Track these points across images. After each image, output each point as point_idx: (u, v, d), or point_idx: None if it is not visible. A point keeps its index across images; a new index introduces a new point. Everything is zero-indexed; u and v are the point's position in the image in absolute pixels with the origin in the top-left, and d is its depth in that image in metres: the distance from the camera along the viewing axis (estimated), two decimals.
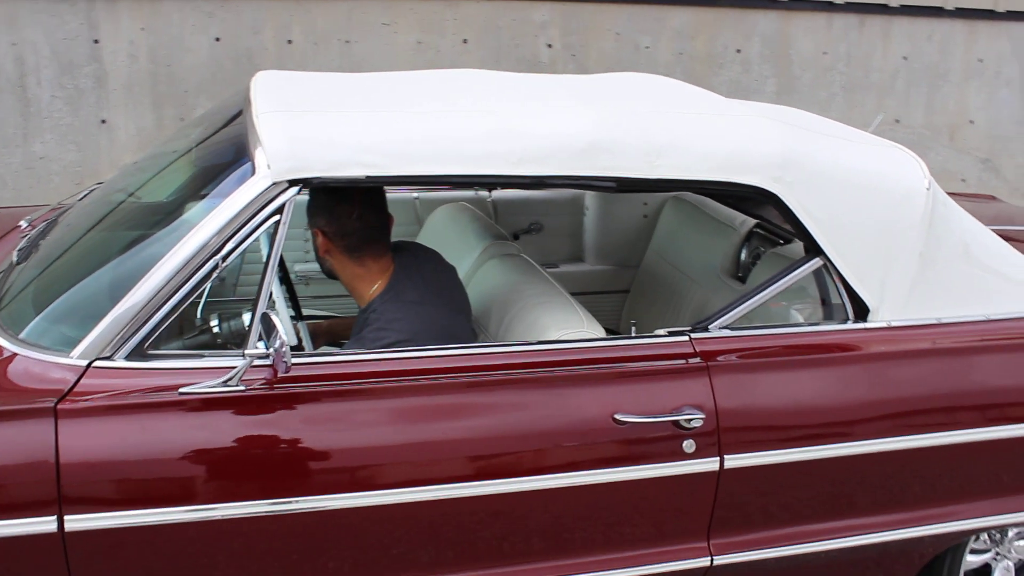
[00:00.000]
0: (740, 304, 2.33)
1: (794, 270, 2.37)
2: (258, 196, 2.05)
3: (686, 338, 2.28)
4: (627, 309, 3.88)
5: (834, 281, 2.40)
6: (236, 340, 2.48)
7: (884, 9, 6.75)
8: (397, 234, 3.71)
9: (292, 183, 2.06)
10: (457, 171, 2.15)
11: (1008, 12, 7.10)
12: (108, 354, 2.00)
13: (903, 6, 6.78)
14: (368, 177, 2.10)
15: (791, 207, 2.31)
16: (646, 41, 6.30)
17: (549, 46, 6.13)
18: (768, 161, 2.28)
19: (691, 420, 2.18)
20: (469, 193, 3.84)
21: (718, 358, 2.26)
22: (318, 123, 2.17)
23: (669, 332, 2.30)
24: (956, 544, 2.60)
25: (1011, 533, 2.78)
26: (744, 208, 3.54)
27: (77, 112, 5.42)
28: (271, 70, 2.83)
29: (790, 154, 2.31)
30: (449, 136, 2.18)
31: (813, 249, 2.37)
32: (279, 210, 2.06)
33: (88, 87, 5.39)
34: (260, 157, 2.10)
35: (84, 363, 1.99)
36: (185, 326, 2.52)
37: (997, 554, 2.80)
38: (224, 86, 5.66)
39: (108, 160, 5.52)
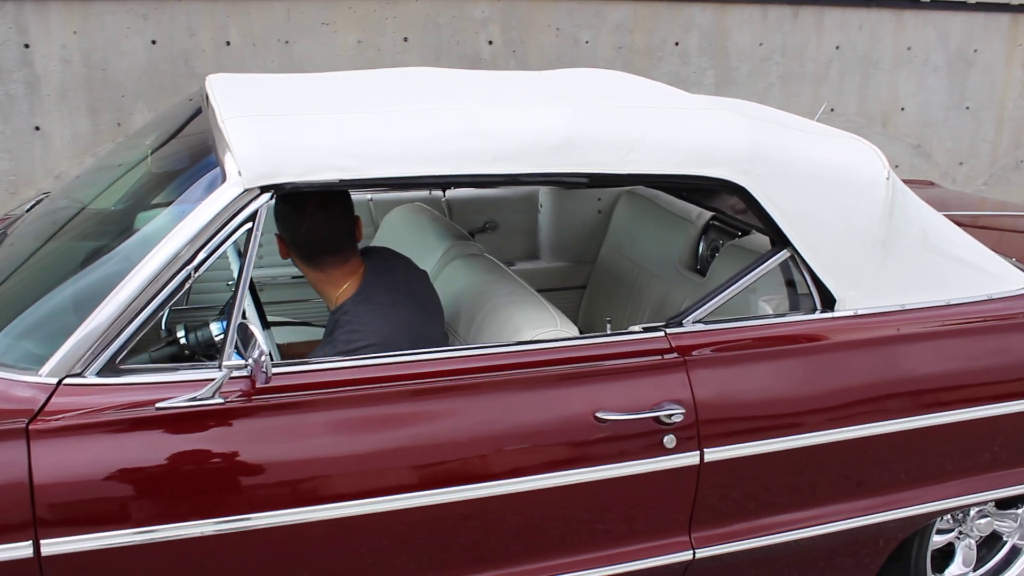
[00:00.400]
0: (713, 298, 2.34)
1: (764, 262, 2.39)
2: (230, 204, 2.00)
3: (661, 334, 2.29)
4: (584, 305, 3.89)
5: (801, 272, 2.43)
6: (204, 350, 2.43)
7: (816, 0, 6.87)
8: None
9: (264, 189, 2.02)
10: (431, 172, 2.13)
11: (933, 1, 7.28)
12: (79, 371, 1.94)
13: None
14: (341, 181, 2.07)
15: (759, 200, 2.33)
16: (586, 36, 6.32)
17: (490, 43, 6.11)
18: (736, 154, 2.30)
19: (672, 415, 2.19)
20: (423, 193, 3.82)
21: (694, 352, 2.28)
22: (288, 127, 2.13)
23: (644, 328, 2.31)
24: (925, 525, 2.65)
25: (972, 512, 2.85)
26: (698, 200, 3.58)
27: (9, 119, 5.26)
28: (222, 73, 2.78)
29: (757, 147, 2.33)
30: (421, 137, 2.16)
31: (780, 241, 2.40)
32: (251, 218, 2.02)
33: (20, 93, 5.23)
34: (230, 164, 2.05)
35: (54, 381, 1.93)
36: (149, 338, 2.46)
37: (960, 533, 2.87)
38: (161, 90, 5.54)
39: (43, 168, 5.38)
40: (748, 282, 2.39)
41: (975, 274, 2.68)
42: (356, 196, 3.73)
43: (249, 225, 2.02)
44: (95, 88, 5.41)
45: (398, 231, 3.44)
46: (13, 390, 1.93)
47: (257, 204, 2.02)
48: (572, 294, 3.94)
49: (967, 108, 7.69)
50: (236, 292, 2.01)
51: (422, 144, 2.14)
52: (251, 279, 3.43)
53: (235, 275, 2.75)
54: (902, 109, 7.44)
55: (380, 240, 3.54)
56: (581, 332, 3.79)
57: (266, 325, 2.75)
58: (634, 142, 2.24)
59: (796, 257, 2.41)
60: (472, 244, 3.02)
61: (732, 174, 2.30)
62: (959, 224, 3.71)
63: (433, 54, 5.94)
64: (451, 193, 3.84)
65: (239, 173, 2.02)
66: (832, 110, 7.15)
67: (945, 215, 3.77)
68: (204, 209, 2.01)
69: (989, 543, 2.97)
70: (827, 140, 2.57)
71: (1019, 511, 2.94)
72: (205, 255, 2.00)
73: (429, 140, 2.15)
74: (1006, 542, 2.98)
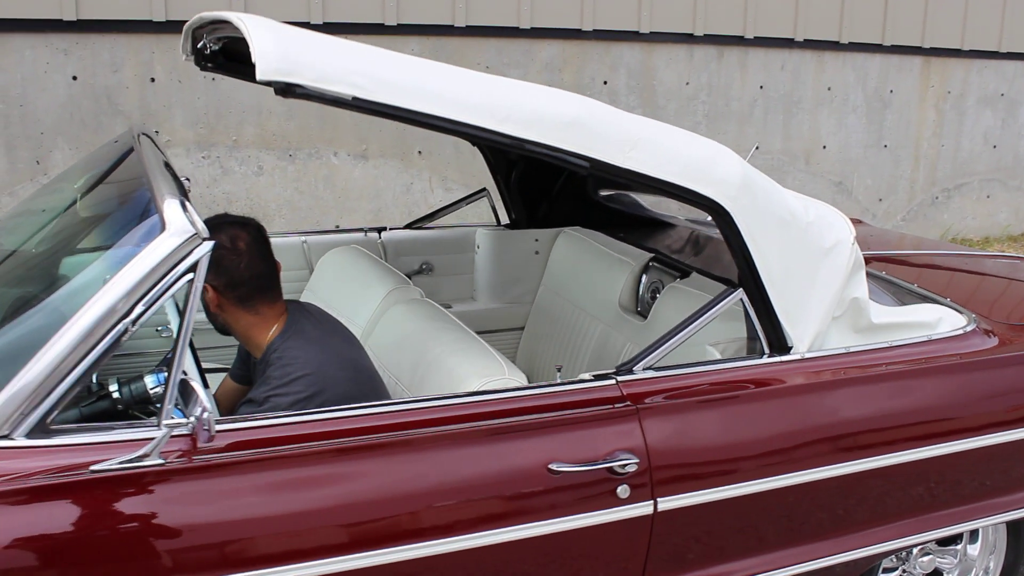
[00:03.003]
0: (663, 343, 2.32)
1: (715, 305, 2.39)
2: (170, 254, 1.92)
3: (612, 381, 2.26)
4: (522, 347, 3.85)
5: (750, 315, 2.44)
6: (139, 405, 2.33)
7: (740, 40, 7.01)
8: (287, 278, 3.63)
9: (278, 89, 1.92)
10: (445, 113, 2.06)
11: (851, 43, 7.49)
12: (6, 432, 1.82)
13: (757, 37, 7.06)
14: (355, 99, 1.98)
15: (740, 228, 2.35)
16: (516, 74, 6.33)
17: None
18: (728, 179, 2.32)
19: (625, 465, 2.16)
20: (359, 235, 3.75)
21: (646, 400, 2.25)
22: (308, 36, 2.06)
23: (594, 376, 2.28)
24: (874, 565, 2.66)
25: (915, 550, 2.87)
26: (635, 240, 3.58)
27: None
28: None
29: (746, 179, 2.36)
30: (443, 79, 2.13)
31: (750, 276, 2.41)
32: (192, 268, 1.94)
33: None
34: (170, 211, 1.97)
35: None
36: (79, 392, 2.34)
37: (903, 571, 2.89)
38: (83, 127, 5.40)
39: None
40: (700, 325, 2.38)
41: (914, 327, 2.75)
42: (290, 239, 3.66)
43: (190, 276, 1.94)
44: (12, 124, 5.24)
45: (335, 274, 3.37)
46: None
47: (199, 254, 1.93)
48: (510, 336, 3.90)
49: (885, 146, 7.91)
50: (176, 345, 1.92)
51: (443, 84, 2.10)
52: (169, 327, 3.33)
53: (172, 323, 2.65)
54: (824, 147, 7.62)
55: (316, 282, 3.47)
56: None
57: (204, 382, 2.65)
58: (638, 140, 2.24)
59: (752, 299, 2.42)
60: (412, 288, 2.97)
61: (721, 197, 2.32)
62: (884, 260, 3.83)
63: None
64: (386, 235, 3.78)
65: (254, 65, 1.89)
66: (756, 148, 7.28)
67: (880, 255, 3.90)
68: (143, 260, 1.91)
69: None
70: (804, 199, 2.64)
71: (958, 547, 2.97)
72: (143, 308, 1.90)
73: (451, 82, 2.12)
74: None
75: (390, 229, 3.83)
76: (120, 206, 2.30)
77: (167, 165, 2.51)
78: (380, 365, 2.69)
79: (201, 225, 1.97)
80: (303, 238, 3.67)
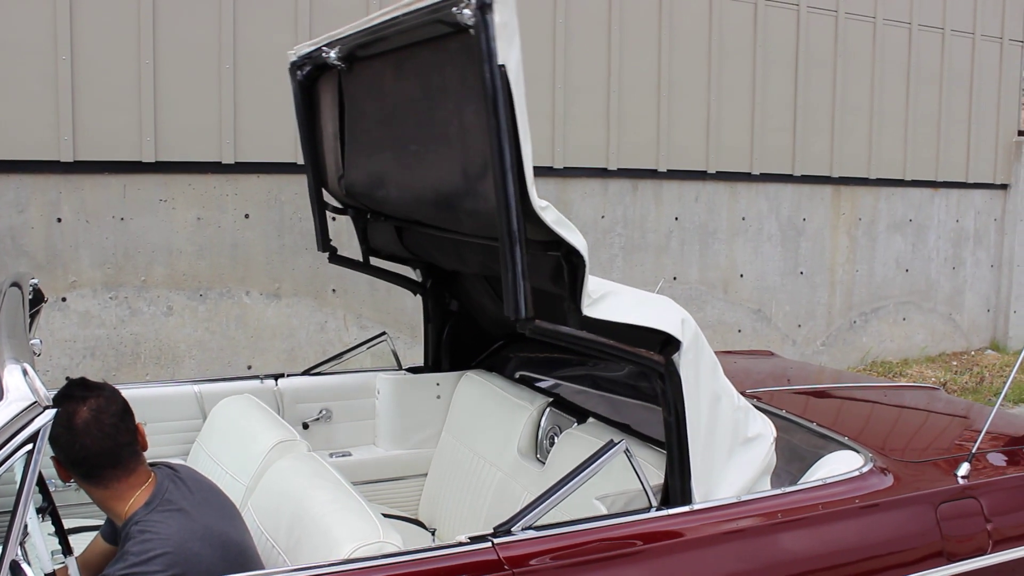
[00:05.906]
0: (544, 501, 2.24)
1: (599, 457, 2.32)
2: (7, 424, 1.81)
3: (488, 544, 2.16)
4: (425, 496, 3.73)
5: (636, 468, 2.37)
6: None
7: (654, 174, 7.15)
8: (181, 428, 3.49)
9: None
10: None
11: (761, 174, 7.69)
12: None
13: (670, 171, 7.21)
14: (502, 66, 2.01)
15: (683, 377, 2.36)
16: None
17: (333, 219, 6.06)
18: (684, 327, 2.37)
19: None
20: (255, 383, 3.64)
21: (531, 562, 2.15)
22: None
23: (471, 539, 2.18)
24: None
25: None
26: (536, 384, 3.53)
27: None
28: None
29: (698, 336, 2.41)
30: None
31: (676, 433, 2.38)
32: (32, 438, 1.83)
33: None
34: (9, 378, 1.87)
35: None
36: None
37: None
38: None
39: None
40: (584, 479, 2.30)
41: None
42: (183, 387, 3.54)
43: (29, 446, 1.82)
44: None
45: (226, 424, 3.24)
46: None
47: (39, 423, 1.83)
48: (414, 483, 3.78)
49: (801, 273, 8.05)
50: (12, 521, 1.80)
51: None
52: (53, 481, 3.16)
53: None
54: (741, 276, 7.72)
55: (206, 434, 3.33)
56: (426, 526, 3.67)
57: (67, 548, 2.49)
58: (600, 289, 2.30)
59: (671, 455, 2.39)
60: (299, 443, 2.86)
61: (678, 334, 2.36)
62: (803, 394, 3.81)
63: (276, 231, 5.86)
64: (283, 382, 3.67)
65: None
66: (675, 279, 7.35)
67: (789, 389, 3.89)
68: None
69: None
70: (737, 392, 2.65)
71: None
72: None
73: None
74: None
75: (287, 376, 3.73)
76: None
77: (31, 318, 2.41)
78: (259, 528, 2.56)
79: (44, 392, 1.87)
80: (196, 387, 3.55)
